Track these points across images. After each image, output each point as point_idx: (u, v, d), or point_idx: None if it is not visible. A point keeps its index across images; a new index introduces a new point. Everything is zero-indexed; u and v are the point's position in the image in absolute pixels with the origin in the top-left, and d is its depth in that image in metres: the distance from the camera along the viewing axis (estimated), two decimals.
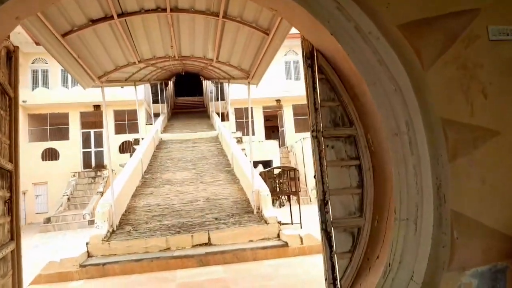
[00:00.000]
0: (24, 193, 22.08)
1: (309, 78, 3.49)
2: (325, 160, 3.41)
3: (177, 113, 29.49)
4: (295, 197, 11.20)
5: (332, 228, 3.33)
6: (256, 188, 8.16)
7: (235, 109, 25.09)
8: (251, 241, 7.15)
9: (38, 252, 11.00)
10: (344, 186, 3.40)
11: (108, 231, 7.16)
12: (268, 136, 25.72)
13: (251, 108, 8.74)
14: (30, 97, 22.47)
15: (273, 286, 4.95)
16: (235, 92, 23.27)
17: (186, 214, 8.24)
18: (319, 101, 3.48)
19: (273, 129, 29.95)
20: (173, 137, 18.30)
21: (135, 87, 12.59)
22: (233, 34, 6.61)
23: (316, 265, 6.04)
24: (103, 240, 6.83)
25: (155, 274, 6.24)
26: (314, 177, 4.02)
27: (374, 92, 3.13)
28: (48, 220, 18.13)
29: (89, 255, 6.74)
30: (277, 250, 6.68)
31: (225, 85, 25.04)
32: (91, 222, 17.03)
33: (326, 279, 3.40)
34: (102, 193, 20.36)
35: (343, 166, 3.42)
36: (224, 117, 24.47)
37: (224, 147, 15.53)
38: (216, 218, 7.84)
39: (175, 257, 6.45)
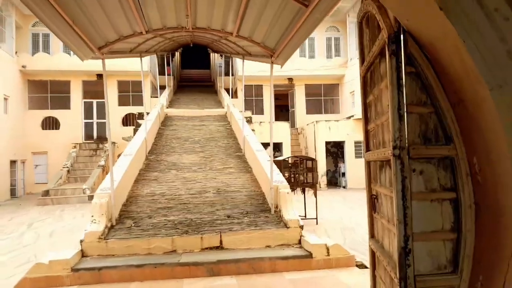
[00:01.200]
0: (23, 162, 21.33)
1: (393, 71, 2.45)
2: (409, 191, 2.42)
3: (183, 87, 28.42)
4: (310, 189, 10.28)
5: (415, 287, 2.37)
6: (275, 183, 7.21)
7: (244, 85, 23.92)
8: (269, 247, 6.26)
9: (30, 234, 10.23)
10: (434, 229, 2.42)
11: (106, 226, 6.27)
12: (276, 116, 24.64)
13: (272, 88, 7.67)
14: (30, 62, 21.36)
15: None
16: (244, 67, 22.05)
17: (194, 208, 7.33)
18: (405, 105, 2.44)
19: (281, 108, 28.83)
20: (179, 113, 17.28)
21: (141, 59, 11.49)
22: (261, 4, 5.49)
23: (347, 285, 5.17)
24: (99, 238, 5.94)
25: (158, 283, 5.38)
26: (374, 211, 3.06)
27: (497, 99, 2.09)
28: (46, 193, 17.41)
29: (83, 254, 5.87)
30: (299, 261, 5.78)
31: (236, 59, 23.77)
32: (91, 198, 16.29)
33: None
34: (103, 167, 19.56)
35: (433, 200, 2.43)
36: (232, 93, 23.36)
37: (234, 128, 14.55)
38: (228, 216, 6.93)
39: (181, 264, 5.57)
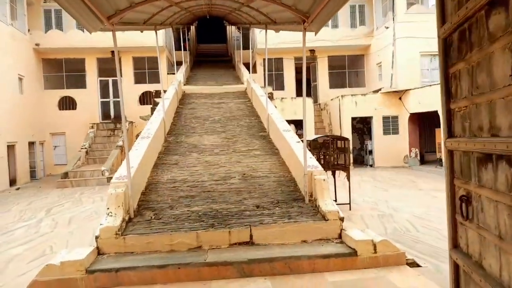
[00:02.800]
0: (42, 144, 21.11)
1: None
2: None
3: (200, 62, 27.53)
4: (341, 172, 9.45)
5: None
6: (309, 169, 6.40)
7: (263, 59, 22.87)
8: (305, 242, 5.54)
9: (48, 220, 9.81)
10: None
11: (123, 219, 5.64)
12: (297, 92, 23.58)
13: (305, 60, 6.78)
14: (43, 39, 20.76)
15: None
16: (263, 40, 20.92)
17: (219, 197, 6.63)
18: None
19: (301, 83, 27.62)
20: (197, 90, 16.53)
21: (156, 32, 10.65)
22: None
23: None
24: (116, 234, 5.32)
25: (183, 286, 4.75)
26: None
27: None
28: (65, 175, 17.13)
29: (99, 252, 5.27)
30: (342, 260, 5.05)
31: (254, 31, 22.63)
32: (110, 179, 15.90)
33: None
34: (121, 147, 19.11)
35: None
36: (250, 68, 22.42)
37: (255, 105, 13.71)
38: (257, 206, 6.21)
39: (209, 264, 4.91)
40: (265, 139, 10.01)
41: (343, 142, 9.43)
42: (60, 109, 21.77)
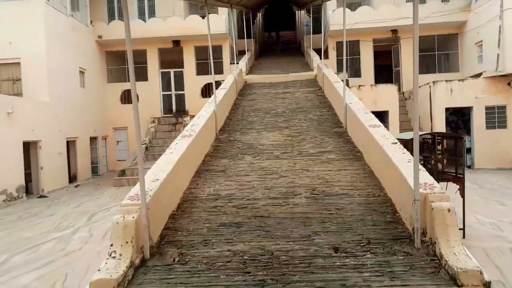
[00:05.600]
0: (105, 139, 20.68)
1: None
2: None
3: (266, 51, 25.67)
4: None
5: None
6: (421, 190, 3.99)
7: (336, 43, 20.21)
8: None
9: (84, 232, 8.49)
10: None
11: (131, 264, 3.75)
12: (377, 79, 20.52)
13: (417, 18, 4.30)
14: (106, 31, 20.14)
15: None
16: (336, 21, 18.32)
17: (276, 227, 4.49)
18: None
19: (380, 69, 24.36)
20: (260, 79, 14.55)
21: (206, 8, 8.85)
22: None
23: None
24: None
25: None
26: None
27: None
28: (122, 173, 16.24)
29: None
30: None
31: (326, 12, 20.05)
32: None
33: None
34: None
35: None
36: (322, 54, 19.86)
37: (328, 94, 11.37)
38: (336, 250, 3.96)
39: None
40: (342, 137, 7.66)
41: (453, 142, 6.75)
42: (122, 103, 21.18)
